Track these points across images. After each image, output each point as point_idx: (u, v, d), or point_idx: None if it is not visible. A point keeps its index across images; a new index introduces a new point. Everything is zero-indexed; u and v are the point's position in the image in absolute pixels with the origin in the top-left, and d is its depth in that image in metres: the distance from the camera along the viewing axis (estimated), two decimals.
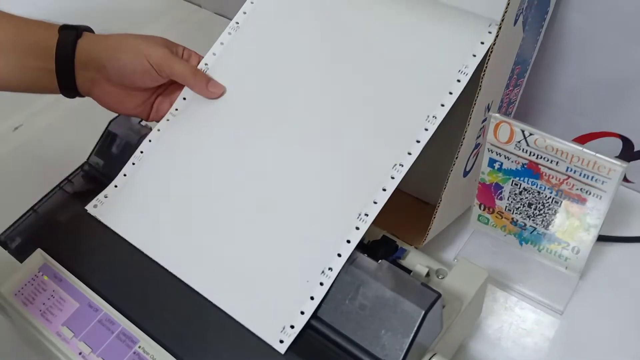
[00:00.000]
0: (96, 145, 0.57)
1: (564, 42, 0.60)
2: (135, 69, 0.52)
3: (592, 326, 0.57)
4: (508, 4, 0.46)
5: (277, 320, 0.44)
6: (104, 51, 0.52)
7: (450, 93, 0.49)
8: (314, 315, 0.44)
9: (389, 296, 0.43)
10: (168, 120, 0.56)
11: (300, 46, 0.56)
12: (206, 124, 0.55)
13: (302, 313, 0.44)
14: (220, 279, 0.47)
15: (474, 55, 0.49)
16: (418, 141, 0.48)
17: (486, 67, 0.48)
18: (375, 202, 0.47)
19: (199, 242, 0.49)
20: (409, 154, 0.48)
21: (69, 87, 0.53)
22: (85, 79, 0.52)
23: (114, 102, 0.54)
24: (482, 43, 0.49)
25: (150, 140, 0.55)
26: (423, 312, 0.42)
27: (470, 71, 0.49)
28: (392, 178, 0.48)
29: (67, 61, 0.51)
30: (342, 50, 0.54)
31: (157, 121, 0.56)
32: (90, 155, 0.57)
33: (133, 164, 0.54)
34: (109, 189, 0.53)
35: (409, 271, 0.51)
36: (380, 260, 0.46)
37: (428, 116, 0.48)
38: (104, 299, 0.48)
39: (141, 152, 0.55)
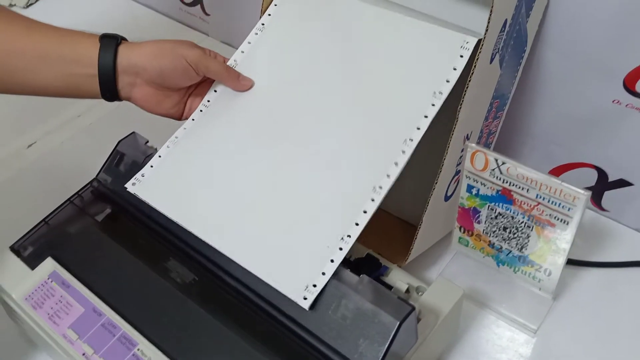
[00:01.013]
0: (105, 163, 0.62)
1: (541, 78, 0.64)
2: (176, 69, 0.57)
3: (564, 345, 0.60)
4: (482, 44, 0.51)
5: (301, 280, 0.49)
6: (145, 55, 0.56)
7: (425, 117, 0.53)
8: (299, 323, 0.48)
9: (367, 308, 0.47)
10: (201, 110, 0.62)
11: (316, 48, 0.62)
12: (236, 112, 0.60)
13: (323, 274, 0.49)
14: (249, 245, 0.52)
15: (447, 81, 0.53)
16: (396, 164, 0.53)
17: (462, 101, 0.53)
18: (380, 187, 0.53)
19: (230, 212, 0.55)
20: (388, 176, 0.53)
21: (110, 91, 0.57)
22: (126, 83, 0.57)
23: (152, 103, 0.59)
24: (455, 69, 0.53)
25: (185, 128, 0.61)
26: (398, 323, 0.46)
27: (444, 95, 0.53)
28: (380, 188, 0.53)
29: (108, 67, 0.55)
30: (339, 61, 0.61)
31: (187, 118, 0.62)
32: (99, 172, 0.62)
33: (167, 147, 0.60)
34: (146, 169, 0.59)
35: (390, 287, 0.55)
36: (361, 275, 0.50)
37: (405, 139, 0.53)
38: (107, 305, 0.53)
39: (176, 137, 0.60)
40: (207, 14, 0.99)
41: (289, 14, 0.65)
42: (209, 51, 0.61)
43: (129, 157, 0.61)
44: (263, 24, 0.65)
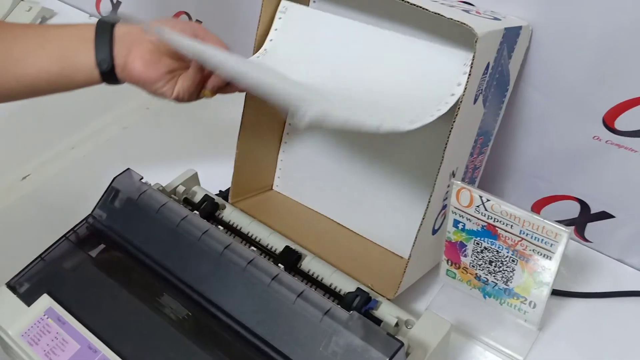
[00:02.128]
0: (100, 199, 0.63)
1: (524, 115, 0.67)
2: (174, 29, 0.56)
3: None
4: (465, 87, 0.53)
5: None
6: (146, 21, 0.57)
7: (439, 110, 0.54)
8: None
9: (357, 344, 0.49)
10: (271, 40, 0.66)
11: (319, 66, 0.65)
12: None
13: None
14: None
15: (453, 94, 0.55)
16: None
17: (448, 140, 0.55)
18: None
19: None
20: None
21: (106, 62, 0.56)
22: (122, 50, 0.56)
23: (144, 65, 0.57)
24: (459, 84, 0.55)
25: (265, 49, 0.66)
26: (387, 359, 0.47)
27: (451, 102, 0.54)
28: None
29: (105, 33, 0.56)
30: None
31: (178, 99, 0.60)
32: (94, 209, 0.63)
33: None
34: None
35: (379, 321, 0.57)
36: (351, 312, 0.51)
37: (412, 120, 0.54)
38: (102, 341, 0.54)
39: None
40: None
41: (291, 38, 0.67)
42: None
43: (123, 194, 0.62)
44: (265, 49, 0.67)
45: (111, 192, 0.62)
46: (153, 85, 0.58)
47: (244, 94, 0.67)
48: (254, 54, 0.67)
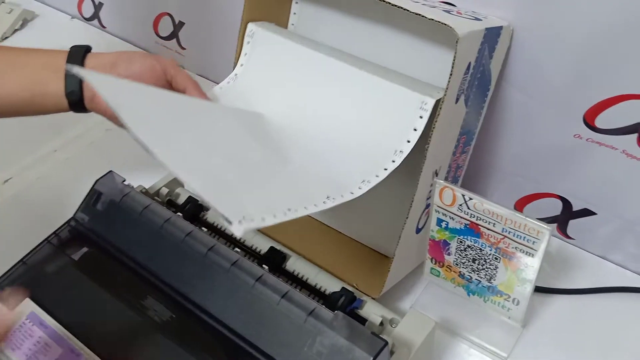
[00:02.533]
0: (82, 202, 0.63)
1: (506, 114, 0.67)
2: (144, 73, 0.58)
3: None
4: (447, 87, 0.53)
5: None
6: (116, 56, 0.58)
7: (385, 169, 0.56)
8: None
9: (342, 344, 0.49)
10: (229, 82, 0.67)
11: (282, 97, 0.65)
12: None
13: None
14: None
15: (408, 141, 0.56)
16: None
17: (429, 140, 0.55)
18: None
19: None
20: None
21: (75, 97, 0.57)
22: (91, 89, 0.57)
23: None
24: (415, 130, 0.56)
25: (236, 74, 0.66)
26: (371, 358, 0.47)
27: (405, 154, 0.56)
28: None
29: (76, 63, 0.57)
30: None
31: None
32: (76, 212, 0.62)
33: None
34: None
35: (364, 320, 0.57)
36: (336, 312, 0.51)
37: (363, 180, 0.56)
38: (85, 345, 0.53)
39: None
40: (183, 48, 1.01)
41: (258, 65, 0.67)
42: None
43: (106, 197, 0.62)
44: (236, 74, 0.68)
45: (93, 194, 0.62)
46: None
47: None
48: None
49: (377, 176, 0.55)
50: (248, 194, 0.48)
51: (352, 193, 0.54)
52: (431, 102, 0.55)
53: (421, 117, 0.55)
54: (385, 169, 0.56)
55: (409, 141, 0.56)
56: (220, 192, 0.45)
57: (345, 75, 0.61)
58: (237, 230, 0.41)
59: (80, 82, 0.57)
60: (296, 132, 0.61)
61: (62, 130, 0.92)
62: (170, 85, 0.61)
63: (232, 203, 0.44)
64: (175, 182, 0.71)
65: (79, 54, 0.58)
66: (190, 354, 0.52)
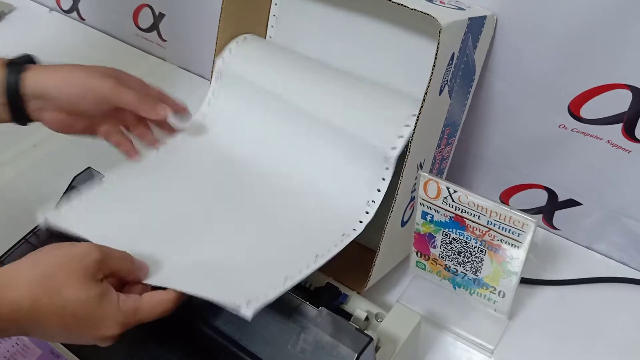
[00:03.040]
0: (60, 199, 0.61)
1: (491, 105, 0.66)
2: (85, 99, 0.57)
3: None
4: (430, 78, 0.52)
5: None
6: (53, 83, 0.56)
7: (367, 212, 0.59)
8: (260, 358, 0.49)
9: (326, 341, 0.48)
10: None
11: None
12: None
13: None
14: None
15: (379, 190, 0.59)
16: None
17: (413, 133, 0.54)
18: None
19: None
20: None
21: (20, 116, 0.58)
22: (36, 107, 0.57)
23: (63, 126, 0.60)
24: (384, 179, 0.58)
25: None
26: (355, 355, 0.46)
27: (378, 200, 0.58)
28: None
29: (16, 94, 0.56)
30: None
31: (107, 139, 0.63)
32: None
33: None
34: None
35: (350, 315, 0.56)
36: (320, 307, 0.50)
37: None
38: (65, 346, 0.52)
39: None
40: (164, 40, 0.99)
41: (225, 109, 0.69)
42: (125, 78, 0.60)
43: None
44: (203, 114, 0.69)
45: (71, 191, 0.61)
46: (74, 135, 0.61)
47: None
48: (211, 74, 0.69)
49: (354, 229, 0.58)
50: (244, 276, 0.51)
51: (336, 246, 0.56)
52: (395, 155, 0.56)
53: (387, 168, 0.58)
54: (361, 222, 0.59)
55: (379, 190, 0.58)
56: (218, 286, 0.49)
57: (311, 124, 0.62)
58: (247, 313, 0.45)
59: (22, 105, 0.56)
60: (273, 189, 0.62)
61: (42, 125, 0.90)
62: (117, 112, 0.60)
63: (233, 291, 0.48)
64: None
65: (15, 75, 0.56)
66: (170, 352, 0.51)
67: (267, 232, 0.57)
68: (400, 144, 0.56)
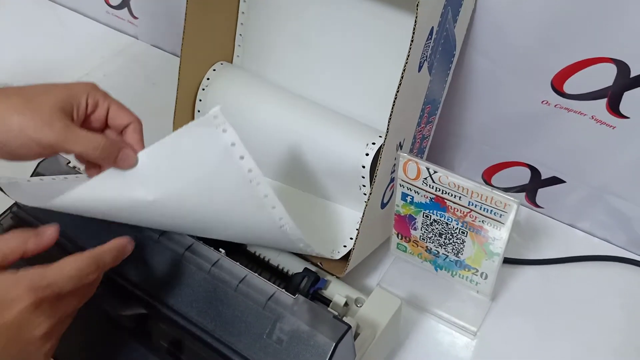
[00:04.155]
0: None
1: (472, 81, 0.64)
2: (29, 149, 0.45)
3: (504, 345, 0.61)
4: (408, 54, 0.50)
5: None
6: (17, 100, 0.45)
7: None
8: (233, 349, 0.47)
9: (303, 330, 0.46)
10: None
11: None
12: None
13: None
14: None
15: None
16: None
17: (392, 111, 0.52)
18: None
19: None
20: None
21: None
22: None
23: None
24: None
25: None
26: (334, 344, 0.45)
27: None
28: None
29: None
30: None
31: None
32: None
33: None
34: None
35: (329, 301, 0.55)
36: (297, 295, 0.49)
37: None
38: None
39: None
40: (135, 17, 0.95)
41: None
42: (84, 111, 0.48)
43: None
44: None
45: (37, 177, 0.58)
46: None
47: None
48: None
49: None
50: None
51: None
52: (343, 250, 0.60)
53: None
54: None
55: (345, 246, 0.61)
56: None
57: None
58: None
59: None
60: None
61: None
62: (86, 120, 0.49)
63: None
64: None
65: None
66: (141, 344, 0.49)
67: None
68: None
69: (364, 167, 0.59)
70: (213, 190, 0.49)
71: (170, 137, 0.48)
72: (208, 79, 0.68)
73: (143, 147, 0.49)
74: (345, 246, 0.61)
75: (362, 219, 0.57)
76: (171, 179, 0.49)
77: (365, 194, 0.60)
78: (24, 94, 0.46)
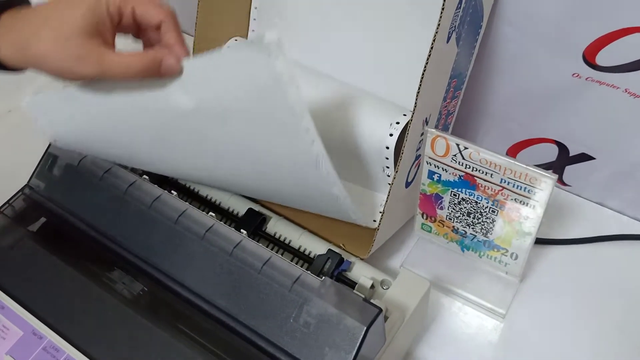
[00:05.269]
0: (37, 167, 0.56)
1: (498, 54, 0.62)
2: (67, 79, 0.45)
3: (533, 328, 0.59)
4: (438, 24, 0.48)
5: None
6: (39, 54, 0.43)
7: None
8: (259, 334, 0.45)
9: (331, 313, 0.44)
10: None
11: None
12: None
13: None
14: None
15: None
16: None
17: (420, 85, 0.49)
18: None
19: None
20: None
21: None
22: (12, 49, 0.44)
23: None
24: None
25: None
26: (365, 328, 0.43)
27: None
28: None
29: None
30: None
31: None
32: (31, 178, 0.56)
33: None
34: None
35: (354, 284, 0.53)
36: (323, 277, 0.47)
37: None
38: (48, 326, 0.48)
39: None
40: None
41: None
42: (110, 27, 0.45)
43: (62, 160, 0.55)
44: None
45: (48, 158, 0.56)
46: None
47: None
48: None
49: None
50: None
51: None
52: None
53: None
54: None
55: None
56: None
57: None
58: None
59: None
60: None
61: (16, 88, 0.84)
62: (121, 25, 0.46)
63: None
64: None
65: None
66: (165, 330, 0.47)
67: None
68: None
69: (387, 148, 0.56)
70: (254, 113, 0.46)
71: (219, 52, 0.45)
72: None
73: (182, 42, 0.46)
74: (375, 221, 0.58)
75: (387, 198, 0.55)
76: (214, 91, 0.46)
77: (389, 176, 0.58)
78: (48, 17, 0.44)
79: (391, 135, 0.56)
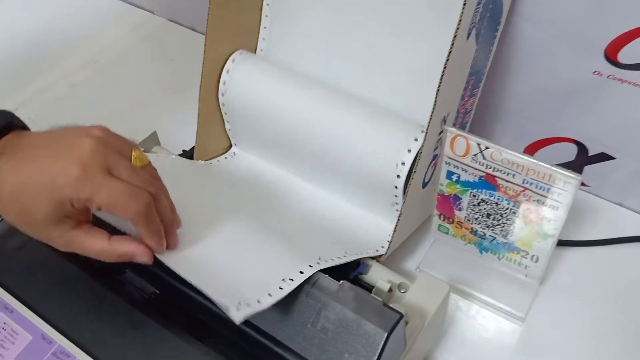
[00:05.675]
0: None
1: (517, 51, 0.60)
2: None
3: (553, 331, 0.57)
4: (460, 19, 0.46)
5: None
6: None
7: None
8: (275, 339, 0.44)
9: (351, 318, 0.43)
10: None
11: None
12: None
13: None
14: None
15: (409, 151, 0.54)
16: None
17: (440, 82, 0.48)
18: None
19: None
20: None
21: None
22: None
23: None
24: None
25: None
26: (386, 335, 0.42)
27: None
28: None
29: None
30: None
31: None
32: None
33: None
34: None
35: (371, 287, 0.51)
36: (341, 281, 0.45)
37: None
38: (57, 330, 0.47)
39: None
40: None
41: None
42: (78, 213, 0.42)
43: None
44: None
45: None
46: None
47: None
48: None
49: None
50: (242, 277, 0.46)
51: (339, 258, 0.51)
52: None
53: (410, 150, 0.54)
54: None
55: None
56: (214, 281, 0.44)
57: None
58: (236, 318, 0.41)
59: None
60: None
61: (22, 86, 0.83)
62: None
63: (227, 290, 0.43)
64: (151, 140, 0.64)
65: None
66: (176, 334, 0.46)
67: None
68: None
69: (396, 187, 0.54)
70: None
71: None
72: (228, 71, 0.63)
73: (154, 233, 0.43)
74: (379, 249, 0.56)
75: (404, 199, 0.53)
76: None
77: (397, 211, 0.56)
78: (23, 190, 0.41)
79: (398, 176, 0.54)
